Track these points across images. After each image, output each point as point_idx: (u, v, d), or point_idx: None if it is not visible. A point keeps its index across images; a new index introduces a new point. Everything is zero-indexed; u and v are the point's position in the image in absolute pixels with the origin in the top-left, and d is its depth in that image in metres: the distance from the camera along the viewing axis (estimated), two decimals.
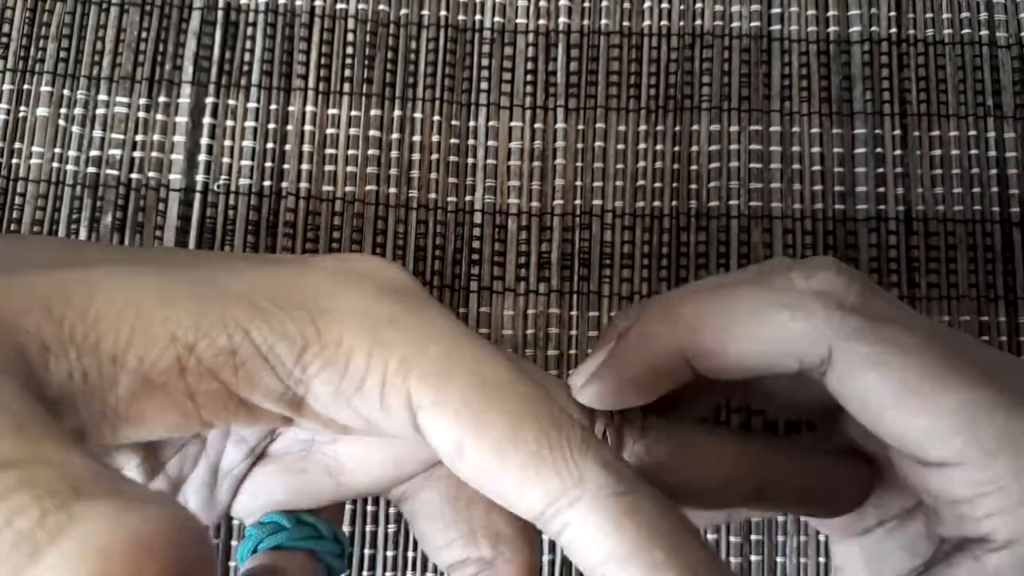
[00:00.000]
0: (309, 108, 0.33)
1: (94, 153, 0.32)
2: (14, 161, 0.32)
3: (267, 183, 0.32)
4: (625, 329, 0.22)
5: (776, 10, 0.34)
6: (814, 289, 0.20)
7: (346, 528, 0.30)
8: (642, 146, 0.33)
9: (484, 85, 0.33)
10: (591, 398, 0.21)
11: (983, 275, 0.32)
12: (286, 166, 0.32)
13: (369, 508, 0.30)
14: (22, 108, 0.33)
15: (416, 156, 0.33)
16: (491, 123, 0.33)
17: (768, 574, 0.30)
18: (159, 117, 0.33)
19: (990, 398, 0.19)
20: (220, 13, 0.33)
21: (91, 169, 0.32)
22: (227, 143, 0.33)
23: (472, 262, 0.32)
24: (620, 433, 0.21)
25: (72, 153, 0.32)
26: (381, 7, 0.34)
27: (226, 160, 0.32)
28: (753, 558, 0.30)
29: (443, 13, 0.34)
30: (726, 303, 0.20)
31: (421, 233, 0.32)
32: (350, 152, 0.33)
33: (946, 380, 0.19)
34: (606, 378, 0.21)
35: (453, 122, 0.33)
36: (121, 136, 0.32)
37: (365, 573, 0.30)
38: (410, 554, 0.30)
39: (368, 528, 0.30)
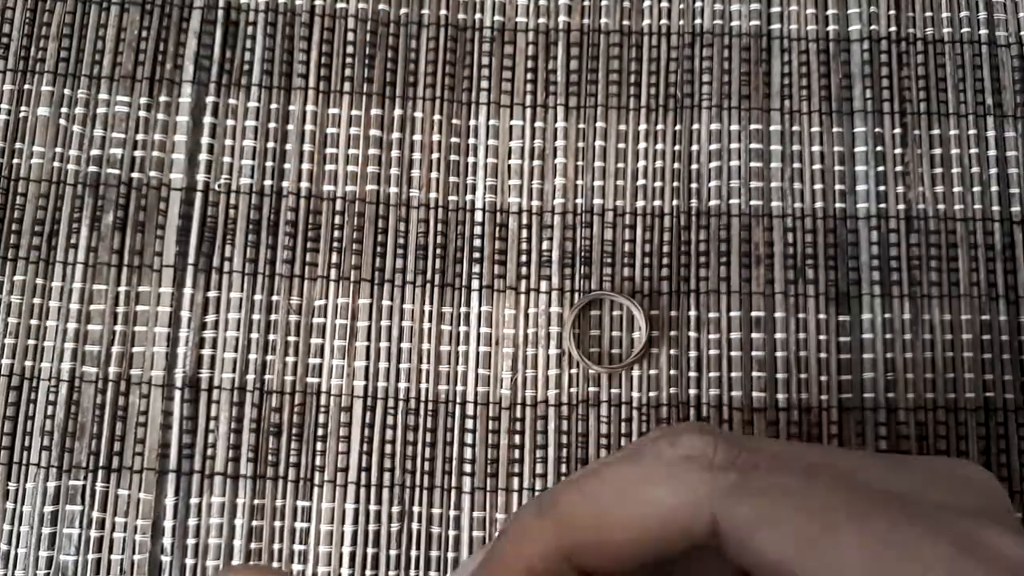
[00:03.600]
0: (310, 107, 0.33)
1: (95, 152, 0.32)
2: (15, 161, 0.32)
3: (268, 182, 0.32)
4: (502, 529, 0.20)
5: (776, 9, 0.34)
6: (680, 455, 0.18)
7: (349, 527, 0.30)
8: (643, 145, 0.33)
9: (484, 84, 0.33)
10: None
11: (984, 274, 0.32)
12: (287, 165, 0.32)
13: (372, 508, 0.30)
14: (23, 108, 0.33)
15: (417, 155, 0.33)
16: (492, 122, 0.33)
17: None
18: (160, 116, 0.33)
19: (897, 532, 0.17)
20: (220, 12, 0.33)
21: (92, 168, 0.32)
22: (228, 142, 0.33)
23: (473, 260, 0.32)
24: None
25: (73, 152, 0.32)
26: (381, 6, 0.34)
27: (227, 159, 0.32)
28: None
29: (443, 12, 0.34)
30: (595, 488, 0.19)
31: (422, 232, 0.32)
32: (351, 151, 0.33)
33: (842, 524, 0.17)
34: None
35: (454, 121, 0.33)
36: (122, 135, 0.32)
37: (368, 572, 0.30)
38: (413, 553, 0.30)
39: (371, 527, 0.30)
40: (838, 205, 0.32)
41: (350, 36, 0.33)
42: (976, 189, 0.32)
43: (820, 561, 0.17)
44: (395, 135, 0.33)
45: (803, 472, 0.18)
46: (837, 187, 0.32)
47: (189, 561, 0.30)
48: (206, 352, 0.31)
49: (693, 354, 0.31)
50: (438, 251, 0.32)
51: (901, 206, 0.32)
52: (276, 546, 0.30)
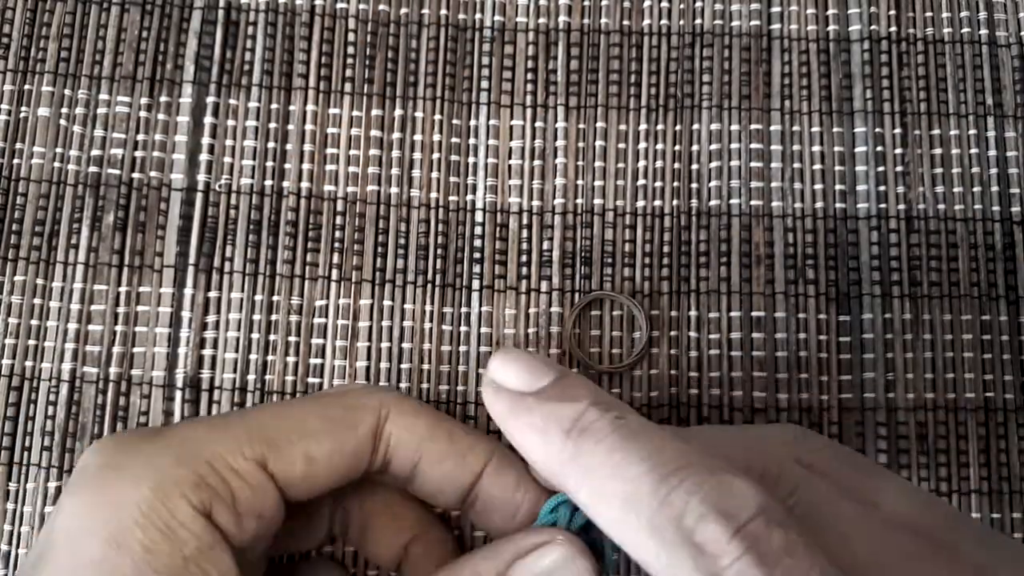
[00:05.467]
0: (310, 107, 0.33)
1: (95, 153, 0.32)
2: (15, 161, 0.32)
3: (268, 182, 0.32)
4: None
5: (776, 8, 0.34)
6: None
7: None
8: (643, 145, 0.33)
9: (485, 84, 0.33)
10: None
11: (984, 274, 0.32)
12: (287, 165, 0.32)
13: None
14: (23, 108, 0.33)
15: (417, 155, 0.33)
16: (492, 122, 0.33)
17: None
18: (160, 116, 0.33)
19: None
20: (221, 12, 0.33)
21: (93, 169, 0.32)
22: (228, 142, 0.33)
23: (474, 261, 0.32)
24: None
25: (73, 153, 0.32)
26: (381, 6, 0.34)
27: (227, 160, 0.32)
28: None
29: (443, 12, 0.34)
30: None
31: (423, 232, 0.32)
32: (351, 152, 0.33)
33: None
34: None
35: (454, 121, 0.33)
36: (122, 135, 0.32)
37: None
38: None
39: None
40: (838, 205, 0.32)
41: (350, 36, 0.33)
42: (976, 189, 0.33)
43: None
44: (395, 135, 0.33)
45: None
46: (837, 187, 0.33)
47: None
48: (207, 352, 0.31)
49: (693, 354, 0.31)
50: (439, 251, 0.32)
51: (901, 206, 0.32)
52: None
